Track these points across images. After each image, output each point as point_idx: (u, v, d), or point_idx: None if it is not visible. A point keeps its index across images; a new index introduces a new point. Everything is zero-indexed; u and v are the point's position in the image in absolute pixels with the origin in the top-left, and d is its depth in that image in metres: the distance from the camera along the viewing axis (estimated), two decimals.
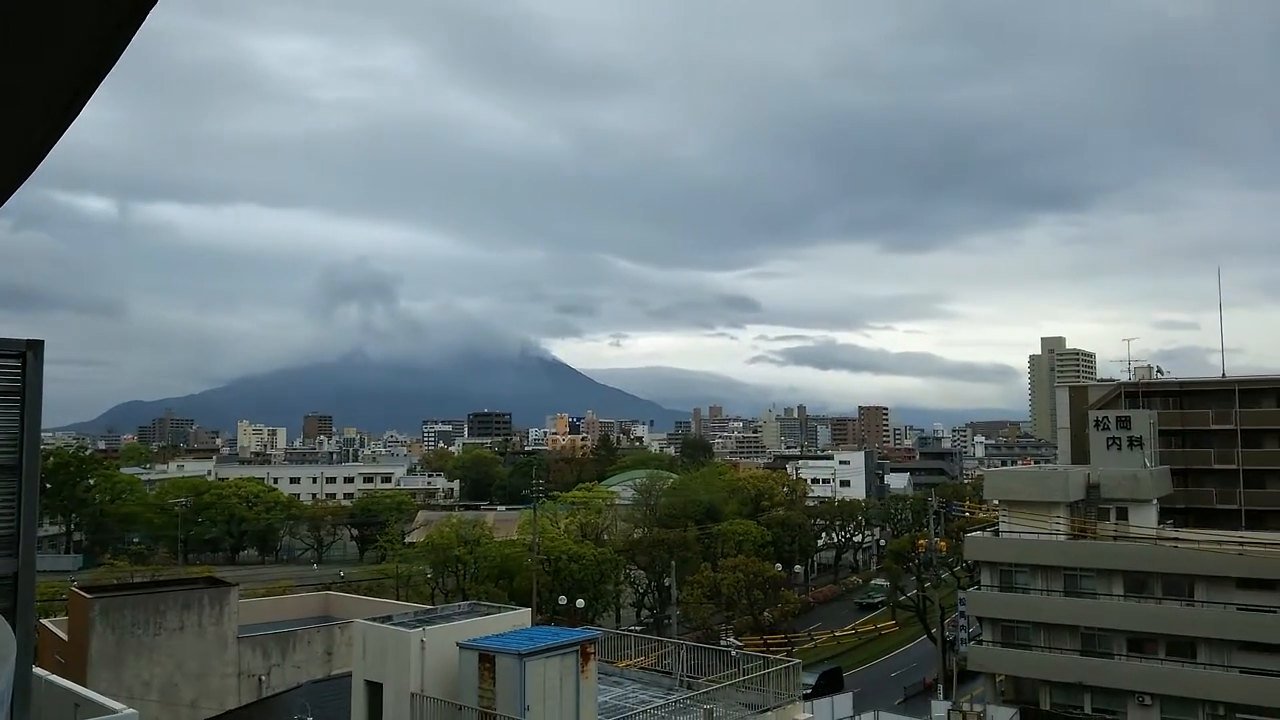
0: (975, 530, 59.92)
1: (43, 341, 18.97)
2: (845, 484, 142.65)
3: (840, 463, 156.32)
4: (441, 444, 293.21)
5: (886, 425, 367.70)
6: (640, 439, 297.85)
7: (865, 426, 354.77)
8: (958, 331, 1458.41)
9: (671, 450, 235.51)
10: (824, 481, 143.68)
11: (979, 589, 54.33)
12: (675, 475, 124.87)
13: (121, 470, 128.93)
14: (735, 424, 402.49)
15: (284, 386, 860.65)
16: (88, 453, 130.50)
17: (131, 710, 15.72)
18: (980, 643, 53.41)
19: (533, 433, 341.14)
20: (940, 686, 57.38)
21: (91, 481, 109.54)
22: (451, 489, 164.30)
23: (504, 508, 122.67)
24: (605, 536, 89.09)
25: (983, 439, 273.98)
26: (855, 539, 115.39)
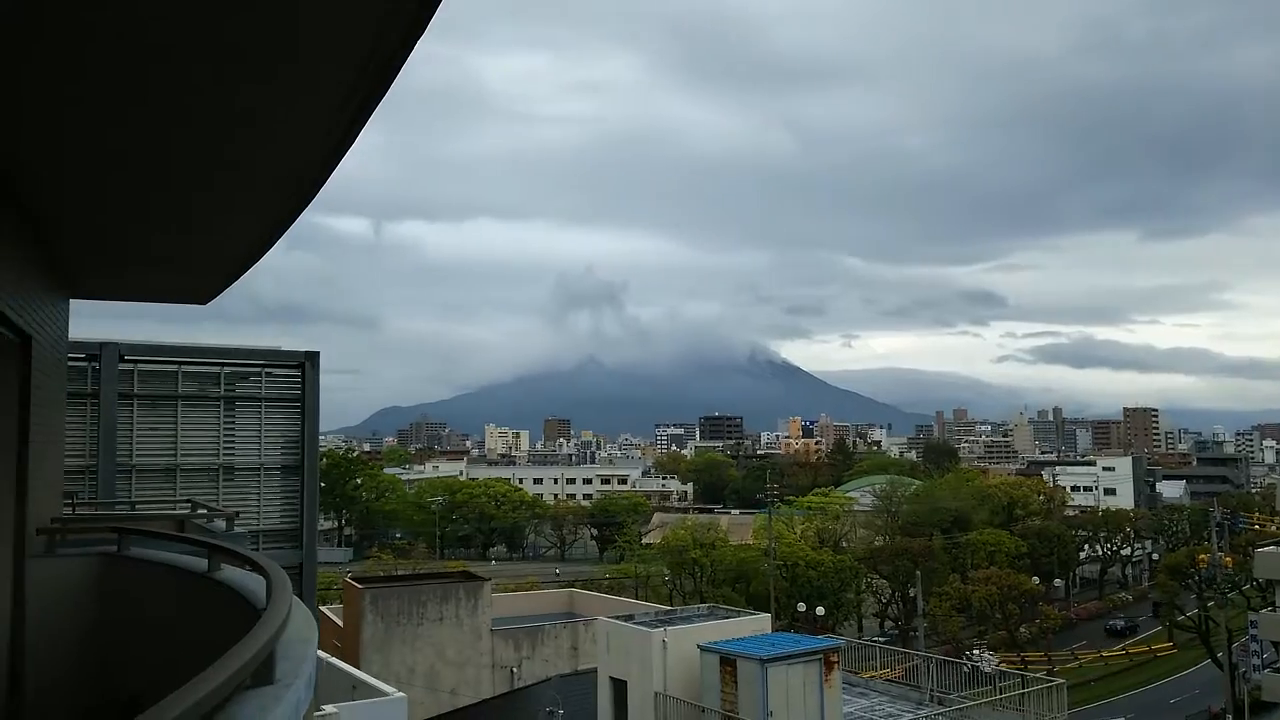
0: (1267, 545, 53.82)
1: (319, 352, 21.09)
2: (1110, 492, 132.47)
3: (1104, 469, 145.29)
4: (674, 447, 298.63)
5: (1156, 428, 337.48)
6: (878, 443, 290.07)
7: (1131, 429, 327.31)
8: (1238, 324, 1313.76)
9: (912, 455, 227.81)
10: (1085, 489, 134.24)
11: (1274, 610, 48.75)
12: (918, 481, 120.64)
13: (384, 470, 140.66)
14: (982, 427, 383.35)
15: (524, 392, 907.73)
16: (355, 454, 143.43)
17: (401, 694, 17.07)
18: (1279, 671, 47.92)
19: (764, 436, 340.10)
20: (1229, 716, 52.01)
21: (359, 481, 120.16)
22: (685, 492, 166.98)
23: (738, 511, 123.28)
24: (844, 543, 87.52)
25: (1274, 443, 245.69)
26: (1123, 552, 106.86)
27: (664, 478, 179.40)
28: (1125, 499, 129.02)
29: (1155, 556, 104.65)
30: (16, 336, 7.92)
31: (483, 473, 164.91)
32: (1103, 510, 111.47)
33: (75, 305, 11.72)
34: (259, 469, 19.92)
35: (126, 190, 7.19)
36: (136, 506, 17.09)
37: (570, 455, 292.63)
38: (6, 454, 7.84)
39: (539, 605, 41.06)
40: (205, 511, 13.25)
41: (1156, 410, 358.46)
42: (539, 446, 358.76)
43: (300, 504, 20.24)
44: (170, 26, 4.30)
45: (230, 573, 6.65)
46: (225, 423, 19.79)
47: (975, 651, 63.60)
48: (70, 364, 14.18)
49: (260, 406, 20.07)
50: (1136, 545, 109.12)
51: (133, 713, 2.65)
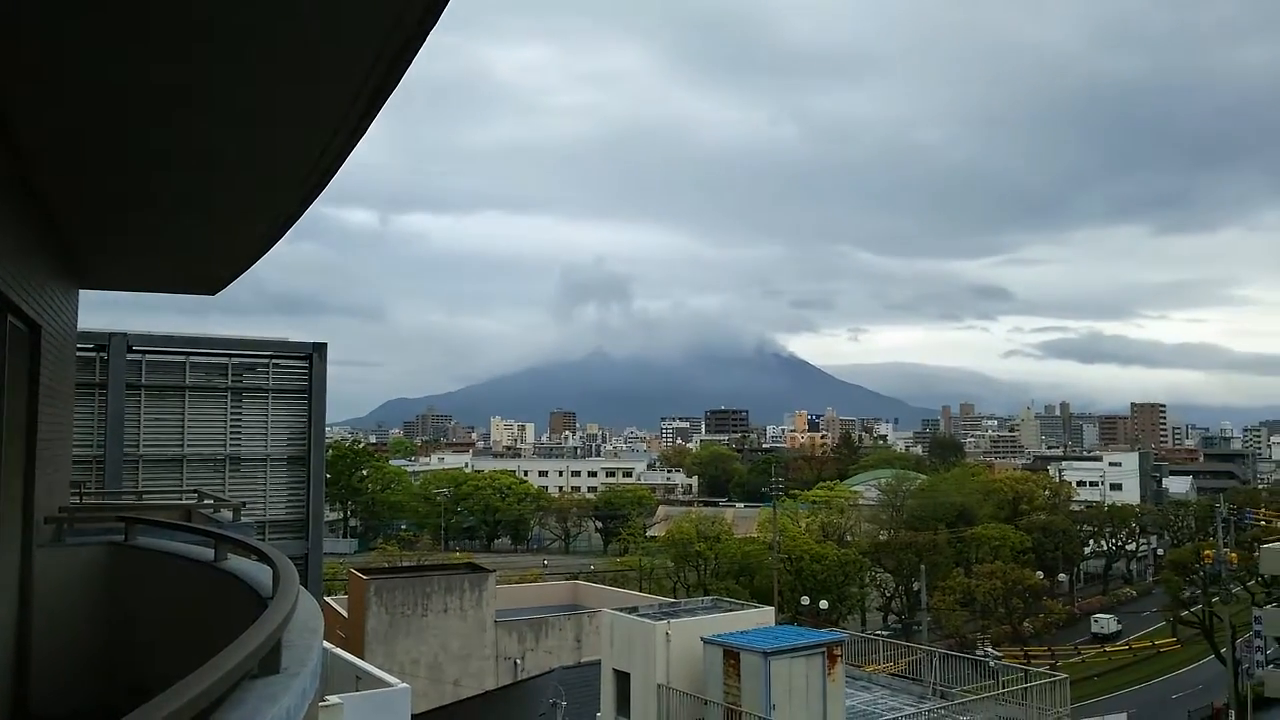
0: (1273, 541, 53.75)
1: (326, 344, 21.15)
2: (1116, 487, 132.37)
3: (1110, 464, 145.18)
4: (679, 440, 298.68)
5: (1164, 424, 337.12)
6: (884, 437, 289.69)
7: (1138, 425, 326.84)
8: (1249, 320, 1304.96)
9: (918, 450, 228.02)
10: (1091, 484, 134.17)
11: (1279, 606, 48.72)
12: (923, 476, 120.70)
13: (390, 462, 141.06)
14: (989, 422, 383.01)
15: (531, 384, 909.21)
16: (361, 446, 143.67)
17: (405, 685, 17.15)
18: None
19: (770, 430, 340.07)
20: (1232, 712, 51.99)
21: (364, 472, 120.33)
22: (690, 485, 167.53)
23: (743, 505, 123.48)
24: (849, 537, 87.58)
25: None
26: (1128, 547, 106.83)
27: (669, 471, 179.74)
28: (1131, 494, 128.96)
29: (1160, 552, 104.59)
30: (25, 326, 7.95)
31: (488, 465, 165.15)
32: (1108, 505, 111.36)
33: (85, 296, 11.76)
34: (265, 460, 20.01)
35: (137, 179, 7.21)
36: (143, 496, 17.18)
37: (575, 448, 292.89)
38: (15, 443, 7.88)
39: (543, 597, 41.17)
40: (212, 502, 13.31)
41: (1164, 406, 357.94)
42: (544, 439, 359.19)
43: (306, 495, 20.32)
44: (182, 12, 4.32)
45: (237, 563, 6.68)
46: (232, 414, 19.87)
47: (989, 648, 63.69)
48: (79, 354, 14.25)
49: (267, 398, 20.15)
50: (1142, 541, 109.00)
51: (140, 700, 2.68)
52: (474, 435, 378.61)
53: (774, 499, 79.43)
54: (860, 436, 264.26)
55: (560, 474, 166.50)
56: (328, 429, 21.58)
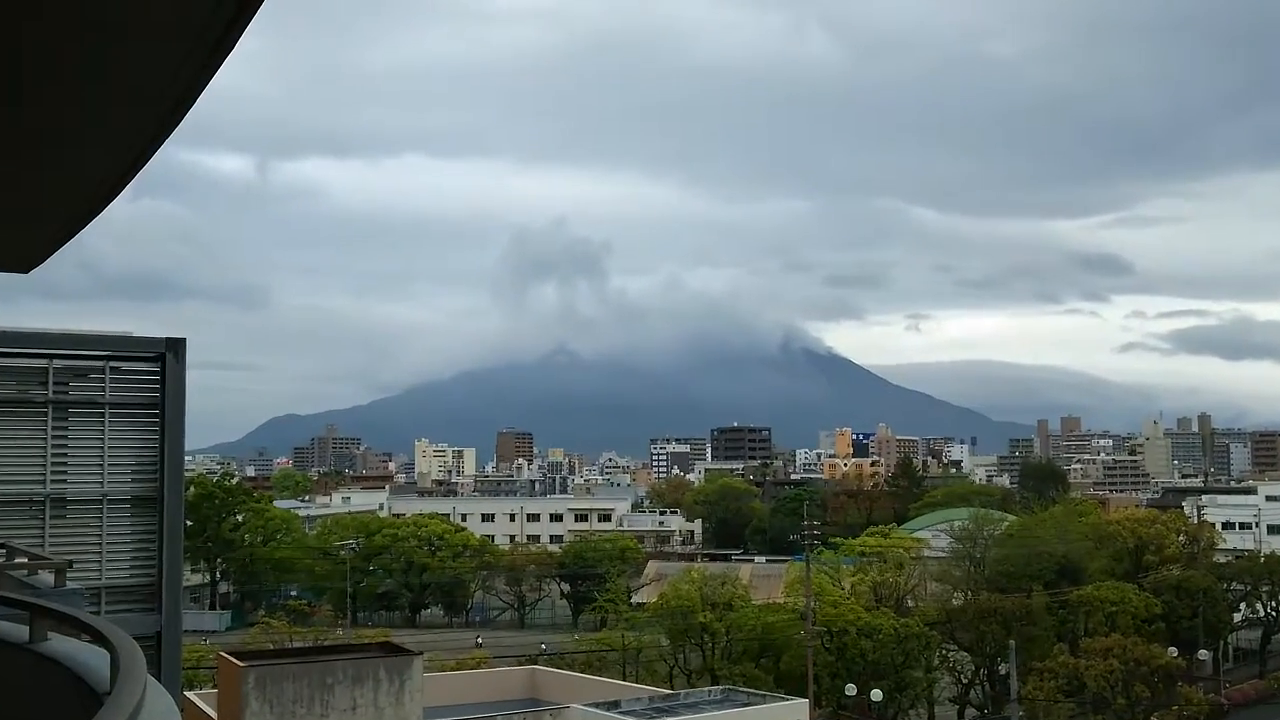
0: None
1: (184, 340, 21.02)
2: (1276, 530, 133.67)
3: (1268, 498, 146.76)
4: (677, 470, 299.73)
5: None
6: (958, 464, 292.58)
7: None
8: None
9: (1005, 480, 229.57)
10: (1243, 527, 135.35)
11: None
12: (1012, 516, 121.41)
13: (275, 504, 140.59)
14: (1102, 442, 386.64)
15: (470, 395, 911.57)
16: (234, 481, 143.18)
17: None
18: None
19: (801, 455, 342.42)
20: None
21: (239, 518, 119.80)
22: (691, 531, 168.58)
23: (764, 558, 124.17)
24: (910, 602, 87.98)
25: None
26: None
27: (662, 512, 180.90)
28: None
29: None
30: None
31: (412, 506, 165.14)
32: (1265, 555, 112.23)
33: None
34: (101, 501, 19.88)
35: None
36: None
37: (533, 482, 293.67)
38: None
39: (489, 688, 41.13)
40: (25, 560, 13.24)
41: None
42: (490, 470, 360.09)
43: (159, 550, 20.21)
44: None
45: (61, 644, 6.65)
46: (54, 437, 19.74)
47: None
48: None
49: (103, 415, 20.03)
50: None
51: None
52: (392, 465, 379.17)
53: (807, 550, 79.62)
54: (925, 463, 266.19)
55: (512, 518, 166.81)
56: (189, 458, 21.50)
